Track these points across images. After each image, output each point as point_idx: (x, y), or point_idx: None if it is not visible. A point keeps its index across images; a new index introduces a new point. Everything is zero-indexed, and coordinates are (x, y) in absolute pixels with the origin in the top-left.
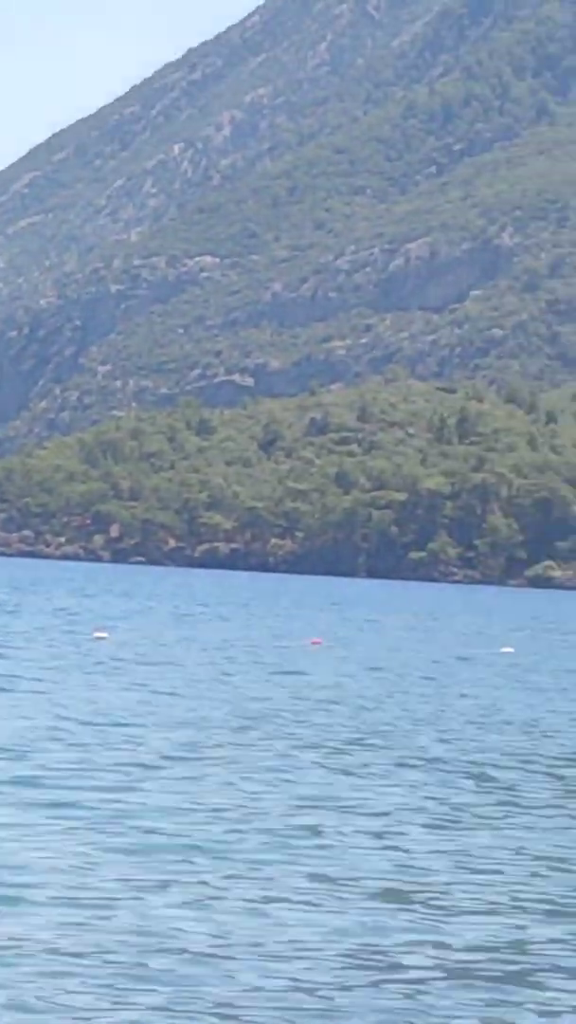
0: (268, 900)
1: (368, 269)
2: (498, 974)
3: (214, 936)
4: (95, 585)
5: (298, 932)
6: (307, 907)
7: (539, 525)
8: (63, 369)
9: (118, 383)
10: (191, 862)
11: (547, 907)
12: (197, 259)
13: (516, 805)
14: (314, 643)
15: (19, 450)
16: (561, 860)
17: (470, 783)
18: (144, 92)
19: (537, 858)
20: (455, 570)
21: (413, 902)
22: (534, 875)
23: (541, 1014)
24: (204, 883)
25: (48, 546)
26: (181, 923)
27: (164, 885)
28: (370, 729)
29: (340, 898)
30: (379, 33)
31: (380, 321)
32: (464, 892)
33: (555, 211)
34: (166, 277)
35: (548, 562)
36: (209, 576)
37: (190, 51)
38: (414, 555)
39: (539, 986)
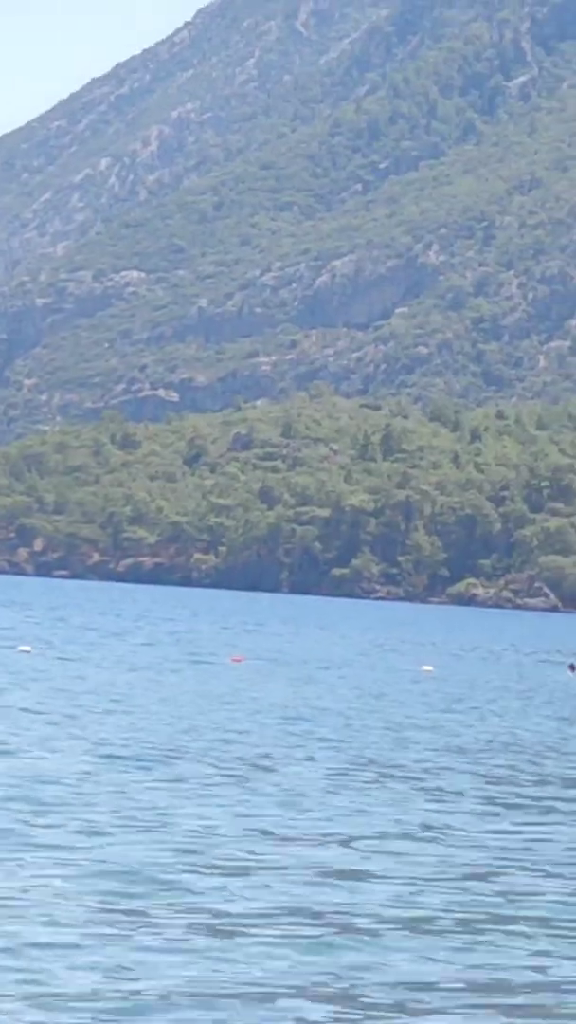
0: None
1: (294, 285)
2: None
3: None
4: (21, 598)
5: None
6: None
7: (462, 543)
8: None
9: (43, 397)
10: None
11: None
12: (123, 273)
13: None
14: (235, 660)
15: None
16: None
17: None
18: (71, 106)
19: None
20: (378, 587)
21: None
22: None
23: None
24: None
25: None
26: None
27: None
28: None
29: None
30: (307, 50)
31: (305, 337)
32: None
33: (481, 229)
34: (92, 291)
35: (471, 579)
36: (134, 591)
37: (118, 66)
38: (337, 571)
39: None
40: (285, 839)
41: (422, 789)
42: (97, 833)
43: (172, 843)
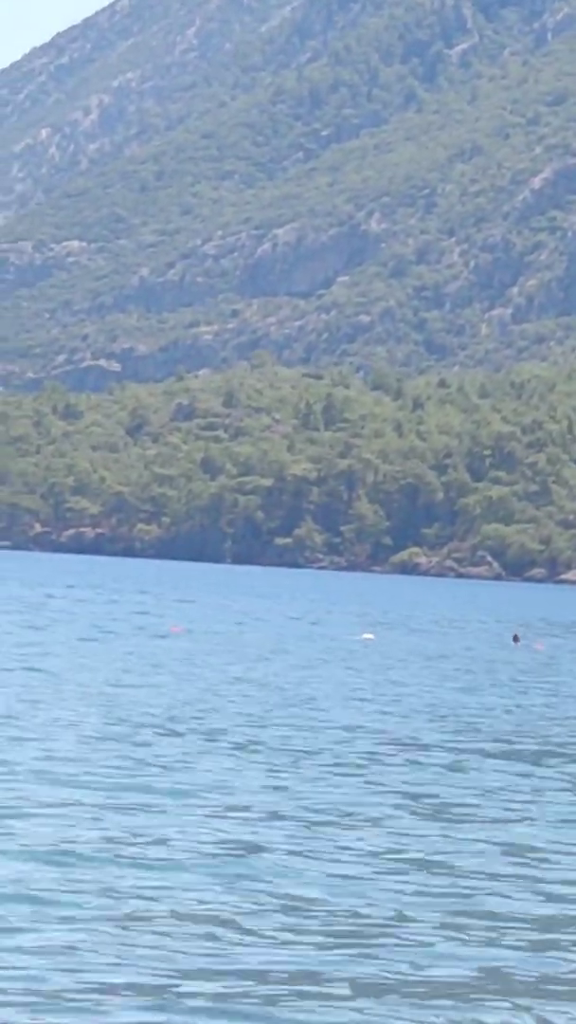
0: None
1: (235, 254)
2: None
3: None
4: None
5: None
6: None
7: (405, 511)
8: None
9: None
10: None
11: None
12: (64, 244)
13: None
14: (173, 630)
15: None
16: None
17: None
18: (11, 76)
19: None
20: (321, 556)
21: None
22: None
23: None
24: None
25: None
26: None
27: None
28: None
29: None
30: (247, 18)
31: (247, 307)
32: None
33: (423, 197)
34: (33, 261)
35: (414, 548)
36: (75, 561)
37: (57, 35)
38: (280, 541)
39: None
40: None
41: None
42: None
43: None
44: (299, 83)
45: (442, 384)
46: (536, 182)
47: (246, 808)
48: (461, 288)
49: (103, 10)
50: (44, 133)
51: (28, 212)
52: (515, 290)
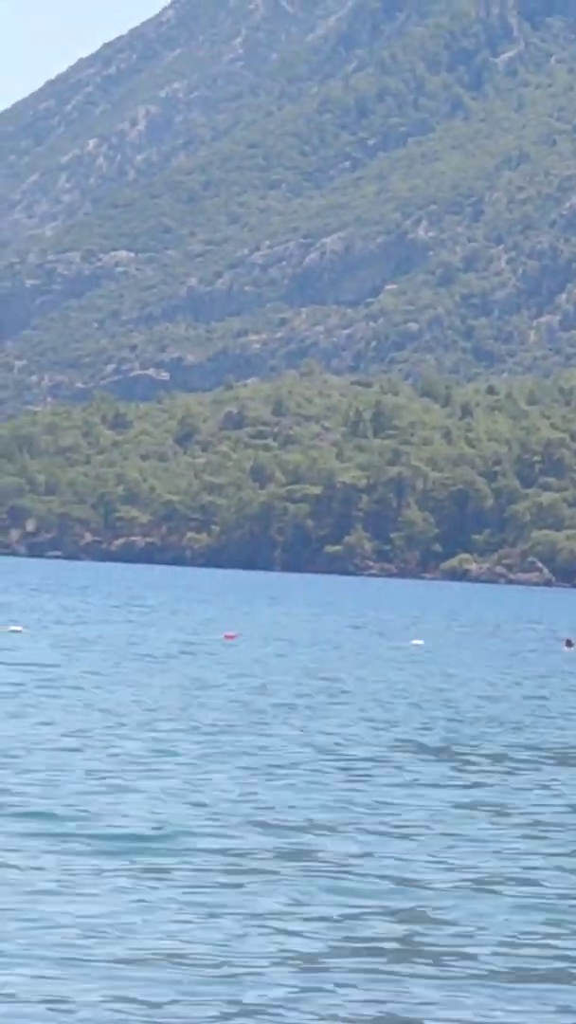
0: None
1: (283, 263)
2: None
3: None
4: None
5: None
6: None
7: (455, 518)
8: None
9: (33, 378)
10: None
11: None
12: (112, 254)
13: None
14: (228, 637)
15: None
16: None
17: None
18: (58, 87)
19: None
20: (371, 564)
21: None
22: None
23: None
24: None
25: None
26: None
27: None
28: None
29: None
30: (293, 28)
31: (295, 315)
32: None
33: (469, 205)
34: (81, 272)
35: (464, 555)
36: (128, 570)
37: (105, 46)
38: (330, 549)
39: None
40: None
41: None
42: None
43: None
44: (345, 92)
45: (491, 391)
46: None
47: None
48: (509, 295)
49: (149, 21)
50: (91, 144)
51: (76, 223)
52: (563, 297)
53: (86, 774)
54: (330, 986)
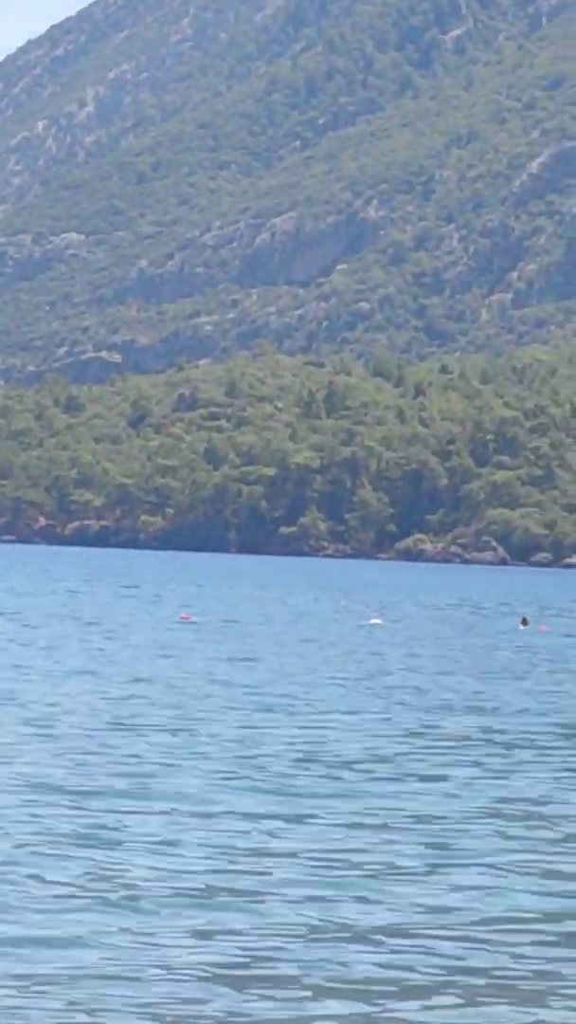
0: None
1: (234, 244)
2: None
3: None
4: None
5: None
6: None
7: (409, 498)
8: None
9: None
10: None
11: None
12: (63, 236)
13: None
14: (184, 618)
15: None
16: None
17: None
18: (7, 69)
19: None
20: (326, 544)
21: None
22: None
23: None
24: None
25: None
26: None
27: None
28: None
29: None
30: (242, 8)
31: (247, 296)
32: None
33: (420, 184)
34: (32, 254)
35: (418, 535)
36: (81, 554)
37: (52, 27)
38: (285, 530)
39: None
40: None
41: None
42: None
43: None
44: (294, 72)
45: (444, 370)
46: (533, 166)
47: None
48: (460, 274)
49: (97, 2)
50: (40, 126)
51: (26, 205)
52: (515, 275)
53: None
54: None
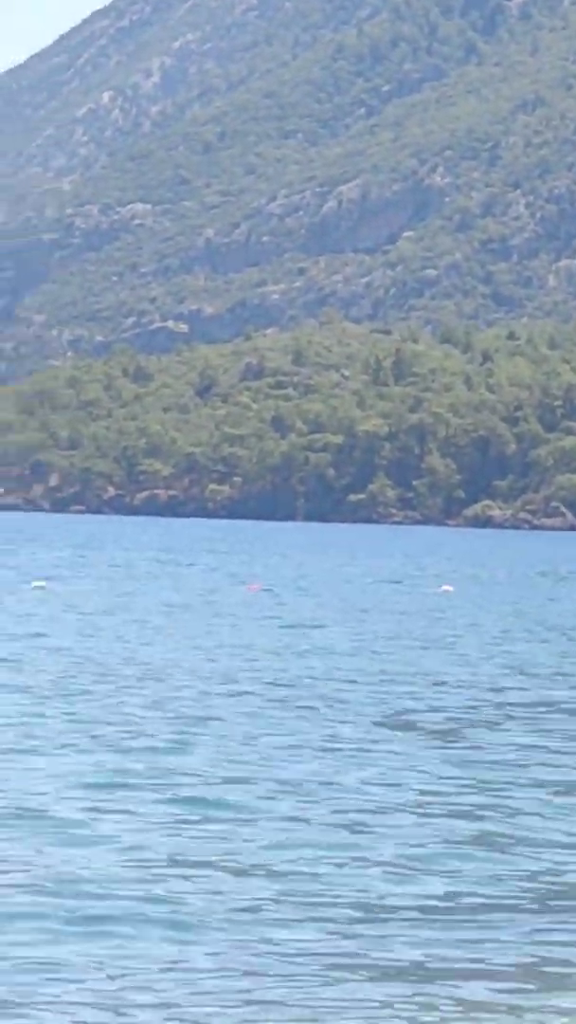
0: None
1: (300, 213)
2: None
3: None
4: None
5: None
6: None
7: (477, 464)
8: None
9: (53, 332)
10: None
11: None
12: (129, 206)
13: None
14: (251, 588)
15: None
16: None
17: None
18: (72, 41)
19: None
20: (394, 511)
21: None
22: None
23: None
24: None
25: None
26: None
27: None
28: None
29: None
30: None
31: (313, 264)
32: None
33: (486, 150)
34: (98, 225)
35: (486, 501)
36: (154, 524)
37: None
38: (352, 497)
39: None
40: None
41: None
42: None
43: None
44: (360, 39)
45: (511, 336)
46: None
47: None
48: (528, 240)
49: None
50: (106, 97)
51: (92, 176)
52: None
53: None
54: None
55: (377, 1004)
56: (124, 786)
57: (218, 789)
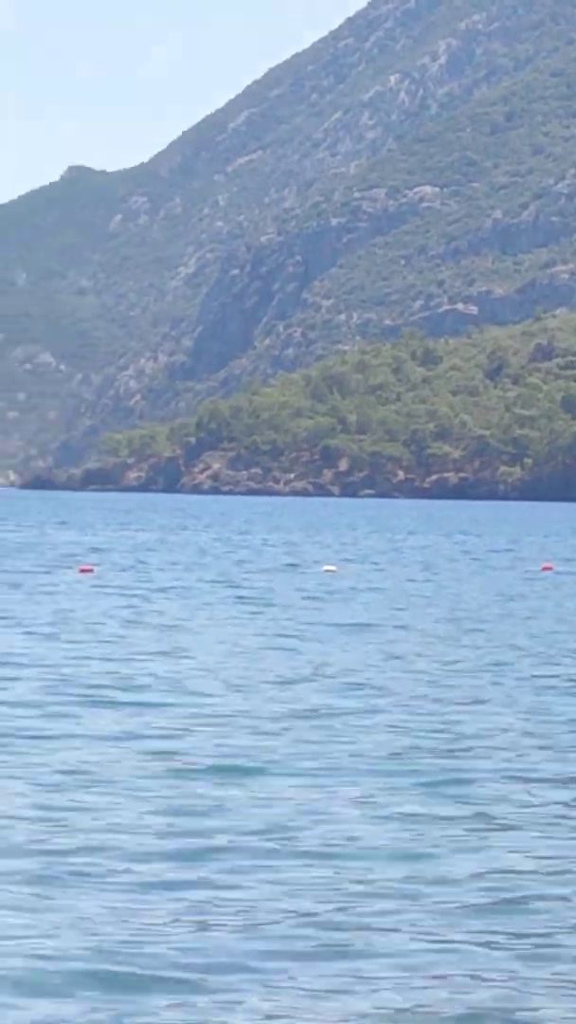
0: None
1: None
2: None
3: None
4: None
5: None
6: None
7: None
8: (286, 305)
9: (342, 317)
10: None
11: None
12: (417, 189)
13: None
14: (545, 568)
15: (245, 388)
16: None
17: None
18: (358, 24)
19: None
20: None
21: None
22: None
23: None
24: None
25: (277, 483)
26: None
27: None
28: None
29: None
30: None
31: None
32: None
33: None
34: (386, 208)
35: None
36: (446, 507)
37: None
38: None
39: None
40: None
41: None
42: None
43: None
44: None
45: None
46: None
47: None
48: None
49: None
50: (393, 80)
51: (380, 159)
52: None
53: None
54: None
55: None
56: None
57: None
